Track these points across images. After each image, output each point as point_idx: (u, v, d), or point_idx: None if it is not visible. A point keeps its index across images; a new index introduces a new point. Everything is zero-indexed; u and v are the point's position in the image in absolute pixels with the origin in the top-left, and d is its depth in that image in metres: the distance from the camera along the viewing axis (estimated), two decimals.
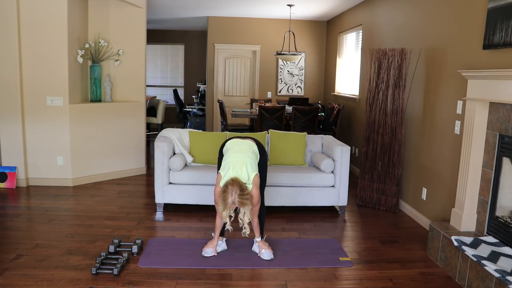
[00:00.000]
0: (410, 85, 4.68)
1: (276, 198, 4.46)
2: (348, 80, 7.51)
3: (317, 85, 9.12)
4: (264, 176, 3.52)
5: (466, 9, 3.74)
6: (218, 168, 3.44)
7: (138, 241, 3.50)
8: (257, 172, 3.26)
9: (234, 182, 3.09)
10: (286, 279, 3.13)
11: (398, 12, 5.27)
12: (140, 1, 5.83)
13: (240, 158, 3.26)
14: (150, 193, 4.99)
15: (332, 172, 4.57)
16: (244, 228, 3.20)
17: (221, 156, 3.51)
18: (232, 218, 3.22)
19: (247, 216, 3.17)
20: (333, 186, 4.58)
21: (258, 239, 3.45)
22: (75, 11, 5.32)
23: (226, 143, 3.51)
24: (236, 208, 3.20)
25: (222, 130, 7.39)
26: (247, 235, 3.24)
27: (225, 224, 3.27)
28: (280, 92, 9.06)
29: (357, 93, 6.78)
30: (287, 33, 7.95)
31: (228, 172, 3.20)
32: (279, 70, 9.01)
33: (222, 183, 3.17)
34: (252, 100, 8.22)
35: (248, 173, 3.20)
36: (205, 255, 3.41)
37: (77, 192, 5.15)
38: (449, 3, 4.04)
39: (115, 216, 4.34)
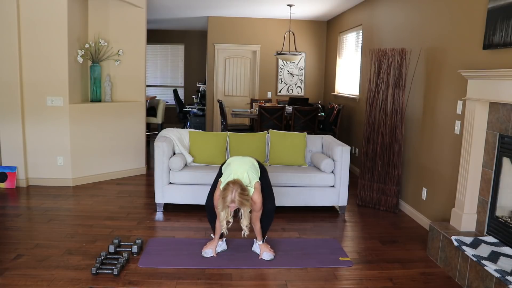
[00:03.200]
0: (410, 85, 4.68)
1: (276, 198, 4.43)
2: (348, 80, 7.51)
3: (317, 85, 9.12)
4: (270, 191, 3.50)
5: (466, 9, 3.74)
6: (217, 178, 3.45)
7: (138, 241, 3.50)
8: (259, 180, 3.30)
9: (236, 182, 3.12)
10: (286, 279, 3.13)
11: (398, 12, 5.27)
12: (140, 1, 5.83)
13: (242, 167, 3.29)
14: (150, 193, 4.99)
15: (332, 172, 4.57)
16: (243, 230, 3.23)
17: (220, 174, 3.47)
18: (230, 224, 3.24)
19: (246, 219, 3.18)
20: (333, 186, 4.58)
21: (260, 242, 3.46)
22: (75, 11, 5.32)
23: (227, 160, 3.52)
24: (236, 213, 3.22)
25: (222, 130, 7.39)
26: (245, 236, 3.26)
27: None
28: (280, 92, 9.06)
29: (357, 93, 6.78)
30: (287, 33, 7.95)
31: (229, 177, 3.22)
32: (279, 70, 9.01)
33: (222, 186, 3.19)
34: (252, 100, 8.22)
35: (249, 178, 3.23)
36: (205, 255, 3.41)
37: (77, 192, 5.15)
38: (449, 3, 4.04)
39: (115, 216, 4.34)
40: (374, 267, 3.38)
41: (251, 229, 3.42)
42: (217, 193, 3.24)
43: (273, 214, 3.48)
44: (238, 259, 3.40)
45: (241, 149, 4.77)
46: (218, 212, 3.21)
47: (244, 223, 3.19)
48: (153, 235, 3.91)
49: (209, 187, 4.26)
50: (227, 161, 3.50)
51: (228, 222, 3.21)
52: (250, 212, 3.27)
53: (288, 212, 4.56)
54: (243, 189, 3.10)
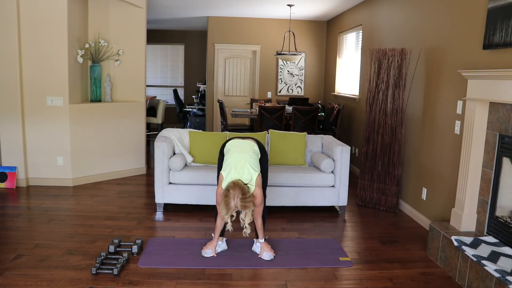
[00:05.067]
0: (410, 85, 4.68)
1: (276, 198, 4.46)
2: (348, 80, 7.51)
3: (317, 85, 9.12)
4: (266, 176, 3.51)
5: (466, 9, 3.74)
6: (219, 169, 3.43)
7: (138, 241, 3.50)
8: (259, 172, 3.26)
9: (236, 186, 3.07)
10: (286, 279, 3.13)
11: (398, 12, 5.27)
12: (140, 1, 5.83)
13: (242, 158, 3.26)
14: (150, 193, 4.99)
15: (332, 172, 4.57)
16: (245, 227, 3.23)
17: (221, 156, 3.49)
18: (234, 218, 3.22)
19: (248, 217, 3.18)
20: (333, 186, 4.58)
21: (261, 240, 3.45)
22: (75, 11, 5.32)
23: (227, 144, 3.50)
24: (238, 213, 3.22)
25: (222, 130, 7.39)
26: (247, 235, 3.26)
27: (226, 224, 3.26)
28: (280, 92, 9.06)
29: (357, 93, 6.78)
30: (287, 33, 7.96)
31: (230, 173, 3.19)
32: (279, 70, 9.01)
33: (224, 184, 3.17)
34: (252, 100, 8.22)
35: (250, 174, 3.20)
36: (205, 255, 3.41)
37: (77, 192, 5.15)
38: (449, 3, 4.04)
39: (115, 216, 4.34)
40: (374, 267, 3.38)
41: (252, 229, 3.42)
42: (219, 190, 3.23)
43: (264, 199, 3.38)
44: (238, 259, 3.40)
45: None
46: (221, 214, 3.19)
47: (246, 220, 3.19)
48: (153, 235, 3.91)
49: (209, 187, 4.29)
50: (227, 144, 3.48)
51: (232, 216, 3.17)
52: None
53: (288, 212, 4.56)
54: (243, 193, 3.06)
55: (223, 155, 3.45)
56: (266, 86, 9.04)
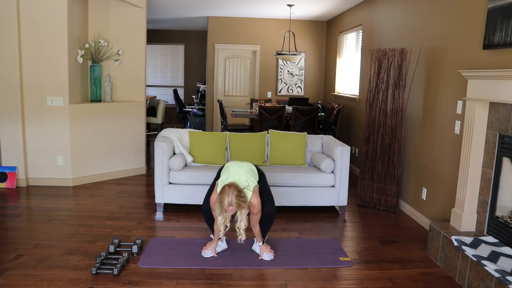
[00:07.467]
0: (410, 85, 4.68)
1: (276, 198, 4.42)
2: (348, 80, 7.51)
3: (317, 85, 9.12)
4: (269, 195, 3.49)
5: (466, 9, 3.74)
6: (213, 183, 3.45)
7: (138, 241, 3.50)
8: (257, 183, 3.29)
9: (232, 184, 3.11)
10: (286, 279, 3.13)
11: (398, 12, 5.27)
12: (140, 1, 5.83)
13: (241, 171, 3.30)
14: (150, 193, 4.99)
15: (332, 172, 4.57)
16: (240, 235, 3.24)
17: (218, 177, 3.46)
18: (227, 228, 3.29)
19: (243, 222, 3.19)
20: (333, 186, 4.58)
21: (260, 243, 3.46)
22: (75, 11, 5.32)
23: (226, 164, 3.52)
24: (233, 217, 3.24)
25: (222, 130, 7.39)
26: (242, 241, 3.28)
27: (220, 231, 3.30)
28: (280, 92, 9.06)
29: (357, 93, 6.78)
30: (287, 33, 7.95)
31: (227, 180, 3.22)
32: (279, 70, 9.01)
33: (219, 189, 3.18)
34: (252, 100, 8.23)
35: (248, 181, 3.23)
36: (205, 256, 3.41)
37: (77, 192, 5.15)
38: (449, 3, 4.04)
39: (115, 216, 4.34)
40: (374, 267, 3.38)
41: (248, 234, 3.43)
42: (214, 197, 3.24)
43: (273, 218, 3.47)
44: (238, 259, 3.40)
45: (241, 149, 4.77)
46: (216, 216, 3.22)
47: (242, 226, 3.19)
48: (153, 235, 3.91)
49: (209, 187, 4.28)
50: (225, 165, 3.49)
51: (225, 226, 3.25)
52: (249, 214, 3.27)
53: (288, 212, 4.56)
54: (239, 191, 3.09)
55: (219, 176, 3.42)
56: (266, 86, 9.04)
